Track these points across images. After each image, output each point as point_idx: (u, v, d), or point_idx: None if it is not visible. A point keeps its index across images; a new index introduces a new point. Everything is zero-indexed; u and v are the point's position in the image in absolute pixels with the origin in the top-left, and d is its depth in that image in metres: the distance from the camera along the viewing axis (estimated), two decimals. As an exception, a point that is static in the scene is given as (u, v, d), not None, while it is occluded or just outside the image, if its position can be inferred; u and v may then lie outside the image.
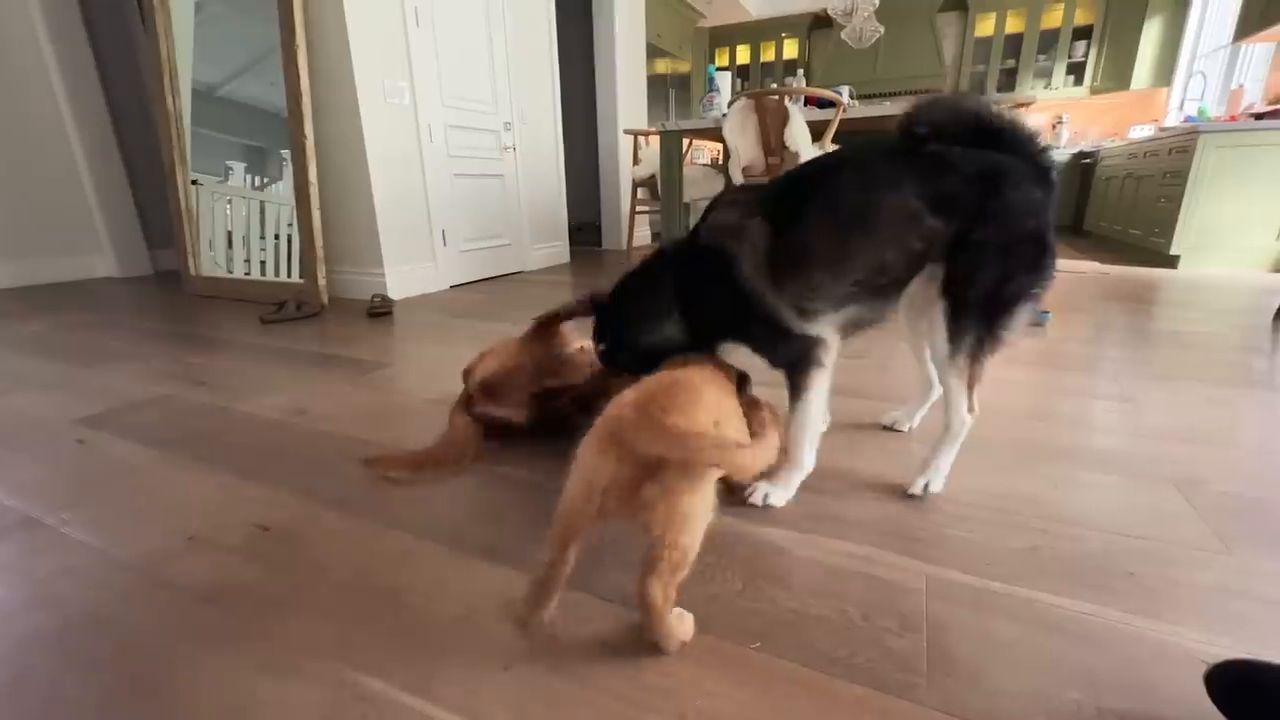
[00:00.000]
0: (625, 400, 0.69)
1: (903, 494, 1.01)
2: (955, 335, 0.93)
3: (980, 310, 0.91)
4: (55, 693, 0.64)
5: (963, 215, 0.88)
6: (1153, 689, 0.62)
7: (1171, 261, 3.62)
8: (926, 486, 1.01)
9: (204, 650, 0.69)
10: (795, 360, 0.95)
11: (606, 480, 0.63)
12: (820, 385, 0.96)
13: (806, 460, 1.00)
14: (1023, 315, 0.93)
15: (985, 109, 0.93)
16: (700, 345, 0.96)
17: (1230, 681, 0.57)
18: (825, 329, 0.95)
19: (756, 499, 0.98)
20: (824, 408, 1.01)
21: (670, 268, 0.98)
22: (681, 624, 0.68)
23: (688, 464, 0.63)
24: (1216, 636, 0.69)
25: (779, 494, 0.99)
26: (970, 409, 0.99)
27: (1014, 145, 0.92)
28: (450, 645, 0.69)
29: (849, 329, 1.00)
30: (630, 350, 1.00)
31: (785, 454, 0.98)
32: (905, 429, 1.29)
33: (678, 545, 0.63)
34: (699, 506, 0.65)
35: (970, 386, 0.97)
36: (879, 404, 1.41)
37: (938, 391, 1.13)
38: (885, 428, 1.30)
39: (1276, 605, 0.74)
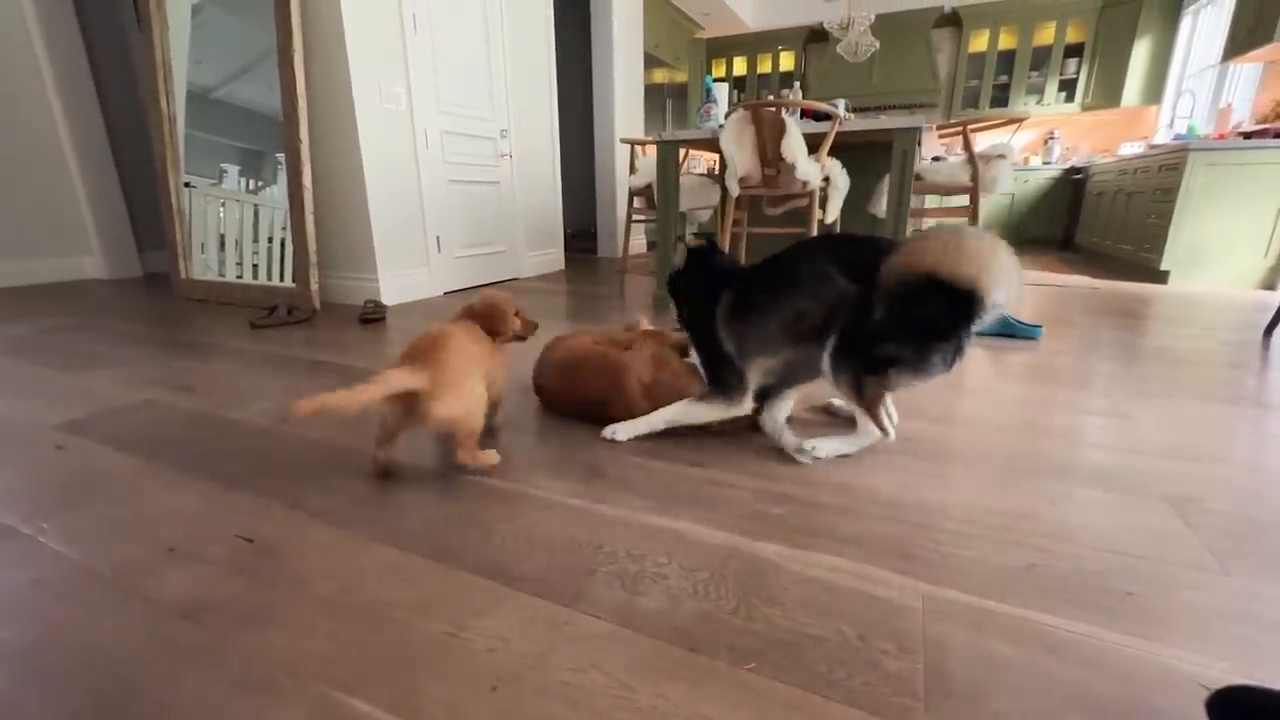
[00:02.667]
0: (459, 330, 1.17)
1: (898, 511, 1.00)
2: (836, 364, 1.12)
3: (858, 354, 1.09)
4: (17, 714, 0.61)
5: (868, 284, 1.06)
6: (1153, 714, 0.61)
7: (1162, 277, 3.65)
8: (815, 452, 1.17)
9: (179, 667, 0.67)
10: (720, 380, 1.24)
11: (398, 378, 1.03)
12: (713, 414, 1.24)
13: (655, 427, 1.27)
14: (903, 379, 1.08)
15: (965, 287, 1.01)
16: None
17: (1231, 707, 0.56)
18: (752, 375, 1.22)
19: (606, 433, 1.27)
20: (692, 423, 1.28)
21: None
22: (487, 456, 1.12)
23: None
24: (1216, 660, 0.68)
25: (624, 432, 1.27)
26: (883, 431, 1.17)
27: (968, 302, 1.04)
28: (436, 664, 0.67)
29: (787, 378, 1.24)
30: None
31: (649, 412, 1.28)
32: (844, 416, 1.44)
33: (463, 434, 1.09)
34: (455, 408, 1.07)
35: (866, 409, 1.14)
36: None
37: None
38: (827, 411, 1.48)
39: (1276, 629, 0.73)
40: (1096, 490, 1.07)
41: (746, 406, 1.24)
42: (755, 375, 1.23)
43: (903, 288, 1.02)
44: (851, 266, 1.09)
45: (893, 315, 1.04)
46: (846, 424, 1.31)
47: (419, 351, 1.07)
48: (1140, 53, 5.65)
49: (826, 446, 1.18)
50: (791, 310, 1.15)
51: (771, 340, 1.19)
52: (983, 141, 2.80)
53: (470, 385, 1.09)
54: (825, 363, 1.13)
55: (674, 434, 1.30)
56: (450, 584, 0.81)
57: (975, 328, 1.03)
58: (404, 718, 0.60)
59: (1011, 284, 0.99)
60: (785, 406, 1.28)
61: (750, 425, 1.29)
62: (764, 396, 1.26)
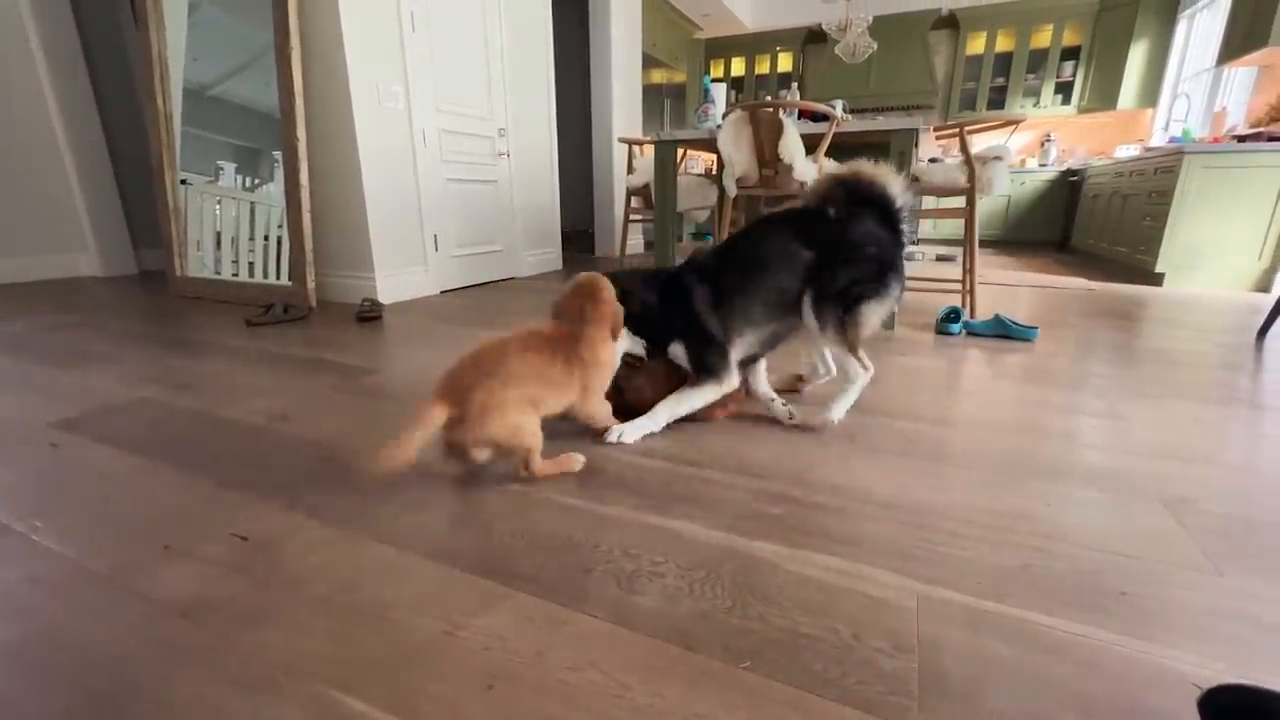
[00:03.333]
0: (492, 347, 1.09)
1: (894, 511, 1.00)
2: (819, 317, 1.32)
3: (834, 301, 1.31)
4: (11, 714, 0.61)
5: (822, 245, 1.32)
6: (1147, 713, 0.62)
7: (1157, 279, 3.67)
8: (832, 415, 1.34)
9: (175, 666, 0.67)
10: (708, 366, 1.32)
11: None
12: (708, 392, 1.33)
13: (660, 424, 1.32)
14: (872, 309, 1.31)
15: (870, 188, 1.34)
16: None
17: (1224, 706, 0.57)
18: (738, 352, 1.35)
19: (611, 436, 1.27)
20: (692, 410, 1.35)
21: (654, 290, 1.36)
22: (567, 462, 1.13)
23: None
24: (1209, 660, 0.68)
25: (630, 433, 1.28)
26: (864, 366, 1.36)
27: (884, 206, 1.34)
28: (433, 663, 0.67)
29: (765, 346, 1.41)
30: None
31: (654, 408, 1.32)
32: (812, 382, 1.63)
33: (513, 451, 1.07)
34: (505, 429, 1.03)
35: (850, 350, 1.34)
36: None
37: (823, 375, 1.61)
38: (799, 377, 1.64)
39: (1269, 629, 0.74)
40: (1092, 491, 1.08)
41: (735, 381, 1.35)
42: (738, 352, 1.36)
43: (830, 189, 1.36)
44: (808, 238, 1.33)
45: (849, 254, 1.31)
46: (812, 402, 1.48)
47: (453, 376, 1.04)
48: (1136, 56, 5.69)
49: (838, 409, 1.35)
50: (773, 290, 1.34)
51: (755, 318, 1.35)
52: (979, 143, 2.81)
53: (510, 402, 1.02)
54: (810, 320, 1.33)
55: (671, 433, 1.30)
56: (447, 583, 0.81)
57: (904, 240, 1.35)
58: (401, 717, 0.60)
59: (896, 182, 1.34)
60: (763, 374, 1.47)
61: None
62: (746, 366, 1.43)
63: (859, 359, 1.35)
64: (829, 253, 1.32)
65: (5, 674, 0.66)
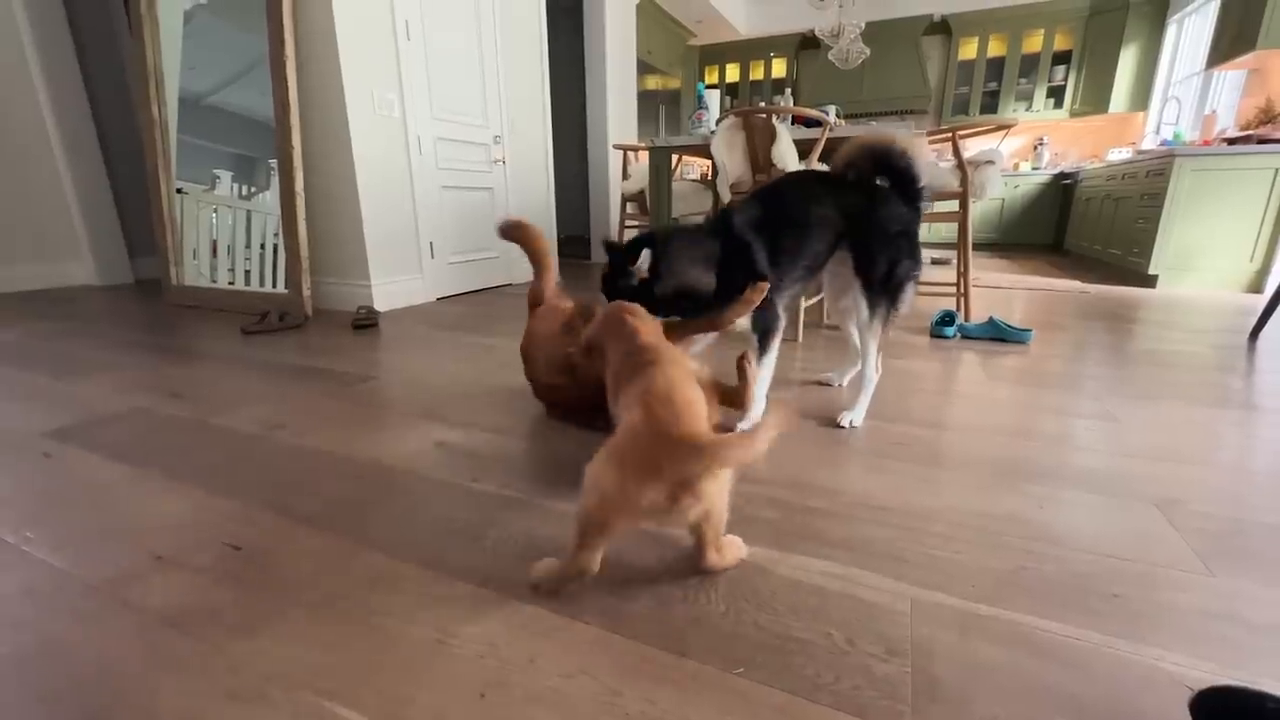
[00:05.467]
0: (640, 427, 0.77)
1: (887, 514, 1.00)
2: (871, 307, 1.37)
3: (883, 287, 1.35)
4: (5, 724, 0.61)
5: (853, 219, 1.33)
6: (1138, 715, 0.62)
7: (1150, 281, 3.69)
8: (852, 421, 1.39)
9: (166, 676, 0.67)
10: (768, 326, 1.30)
11: (648, 502, 0.72)
12: (776, 345, 1.32)
13: (762, 400, 1.32)
14: (910, 291, 1.37)
15: (896, 158, 1.34)
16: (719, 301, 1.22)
17: (1215, 708, 0.57)
18: (781, 305, 1.33)
19: (844, 420, 1.37)
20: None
21: (717, 240, 1.24)
22: (735, 549, 0.86)
23: (715, 469, 0.74)
24: (1201, 661, 0.68)
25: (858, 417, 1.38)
26: (876, 369, 1.43)
27: (904, 181, 1.34)
28: (424, 671, 0.67)
29: (795, 299, 1.45)
30: (672, 281, 1.17)
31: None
32: (836, 385, 1.68)
33: (717, 521, 0.80)
34: (723, 488, 0.78)
35: (879, 348, 1.41)
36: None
37: (835, 382, 1.67)
38: (819, 383, 1.68)
39: (1260, 630, 0.74)
40: (1084, 493, 1.08)
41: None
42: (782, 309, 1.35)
43: (858, 157, 1.36)
44: (842, 208, 1.33)
45: (889, 238, 1.33)
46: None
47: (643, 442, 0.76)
48: (1127, 60, 5.74)
49: (857, 414, 1.41)
50: (812, 252, 1.34)
51: (797, 277, 1.34)
52: (972, 147, 2.83)
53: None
54: (862, 310, 1.38)
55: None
56: (438, 591, 0.81)
57: (923, 208, 1.38)
58: (392, 725, 0.60)
59: (924, 153, 1.35)
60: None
61: None
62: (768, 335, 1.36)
63: (878, 360, 1.43)
64: (868, 235, 1.33)
65: (-6, 686, 0.66)
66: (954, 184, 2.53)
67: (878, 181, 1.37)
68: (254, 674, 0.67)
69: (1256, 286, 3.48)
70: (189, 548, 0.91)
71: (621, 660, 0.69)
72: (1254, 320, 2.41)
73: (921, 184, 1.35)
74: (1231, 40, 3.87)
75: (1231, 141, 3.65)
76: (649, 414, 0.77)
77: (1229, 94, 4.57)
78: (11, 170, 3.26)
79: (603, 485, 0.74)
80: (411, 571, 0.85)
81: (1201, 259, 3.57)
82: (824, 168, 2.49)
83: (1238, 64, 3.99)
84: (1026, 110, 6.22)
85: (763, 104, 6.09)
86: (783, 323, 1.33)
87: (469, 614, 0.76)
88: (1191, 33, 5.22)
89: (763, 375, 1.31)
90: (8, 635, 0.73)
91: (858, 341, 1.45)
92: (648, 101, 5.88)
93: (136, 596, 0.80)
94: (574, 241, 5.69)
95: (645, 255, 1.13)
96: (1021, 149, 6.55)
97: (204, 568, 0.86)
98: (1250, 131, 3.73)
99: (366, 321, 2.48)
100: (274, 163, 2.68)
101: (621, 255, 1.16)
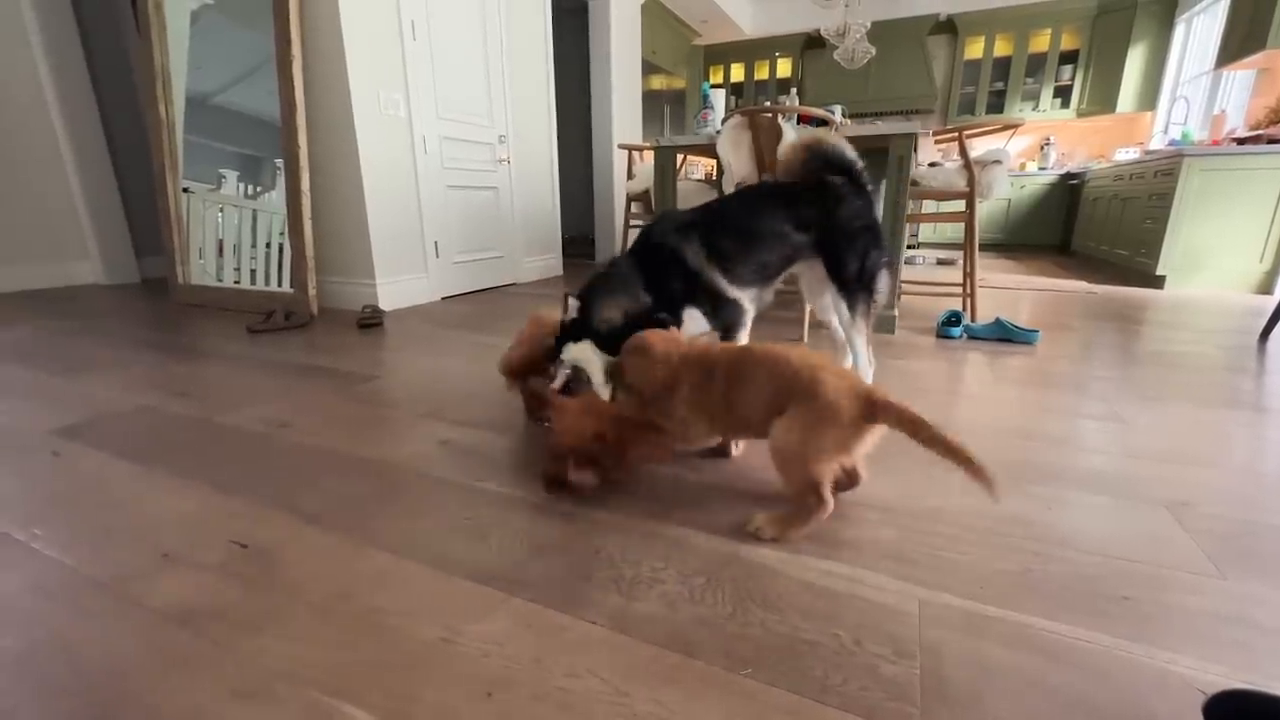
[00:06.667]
0: (843, 380, 0.92)
1: (895, 515, 1.00)
2: (851, 306, 1.44)
3: (858, 283, 1.42)
4: (14, 720, 0.61)
5: (815, 229, 1.40)
6: (1150, 718, 0.61)
7: (1158, 282, 3.67)
8: None
9: (173, 673, 0.67)
10: (732, 321, 1.32)
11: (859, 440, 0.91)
12: (744, 340, 1.34)
13: None
14: (884, 279, 1.45)
15: (839, 156, 1.44)
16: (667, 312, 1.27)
17: (1228, 712, 0.56)
18: (746, 300, 1.36)
19: None
20: None
21: (633, 262, 1.28)
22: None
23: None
24: (1213, 664, 0.68)
25: None
26: (869, 360, 1.49)
27: (851, 173, 1.44)
28: (431, 670, 0.67)
29: (758, 298, 1.42)
30: (606, 322, 1.22)
31: None
32: None
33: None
34: None
35: (867, 341, 1.48)
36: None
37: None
38: None
39: (1272, 633, 0.73)
40: (1093, 495, 1.08)
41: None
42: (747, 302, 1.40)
43: (803, 159, 1.46)
44: (802, 221, 1.40)
45: (851, 234, 1.41)
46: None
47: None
48: (1135, 59, 5.70)
49: None
50: (760, 262, 1.37)
51: (749, 278, 1.38)
52: (979, 147, 2.82)
53: None
54: (842, 310, 1.45)
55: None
56: (445, 589, 0.81)
57: (873, 194, 1.47)
58: (399, 724, 0.60)
59: (849, 146, 1.45)
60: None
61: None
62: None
63: (869, 352, 1.47)
64: (834, 240, 1.40)
65: (8, 682, 0.66)
66: (960, 184, 2.51)
67: (827, 179, 1.44)
68: (261, 671, 0.67)
69: (1266, 287, 3.45)
70: (196, 546, 0.91)
71: (629, 660, 0.68)
72: (1264, 321, 2.39)
73: (859, 167, 1.45)
74: (1241, 39, 3.84)
75: (1241, 141, 3.63)
76: (846, 381, 0.92)
77: (1238, 93, 4.53)
78: (20, 170, 3.28)
79: (829, 436, 0.89)
80: (417, 570, 0.85)
81: (1210, 259, 3.54)
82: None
83: (1247, 63, 3.96)
84: (1033, 110, 6.19)
85: (769, 103, 6.09)
86: (748, 318, 1.36)
87: (475, 613, 0.76)
88: (1200, 32, 5.18)
89: None
90: (16, 632, 0.73)
91: (843, 336, 1.54)
92: (653, 101, 5.88)
93: (143, 594, 0.80)
94: (578, 242, 5.69)
95: (572, 304, 1.23)
96: (1028, 149, 6.52)
97: (210, 566, 0.86)
98: (1260, 131, 3.70)
99: (371, 321, 2.48)
100: (280, 162, 2.68)
101: (564, 333, 1.25)
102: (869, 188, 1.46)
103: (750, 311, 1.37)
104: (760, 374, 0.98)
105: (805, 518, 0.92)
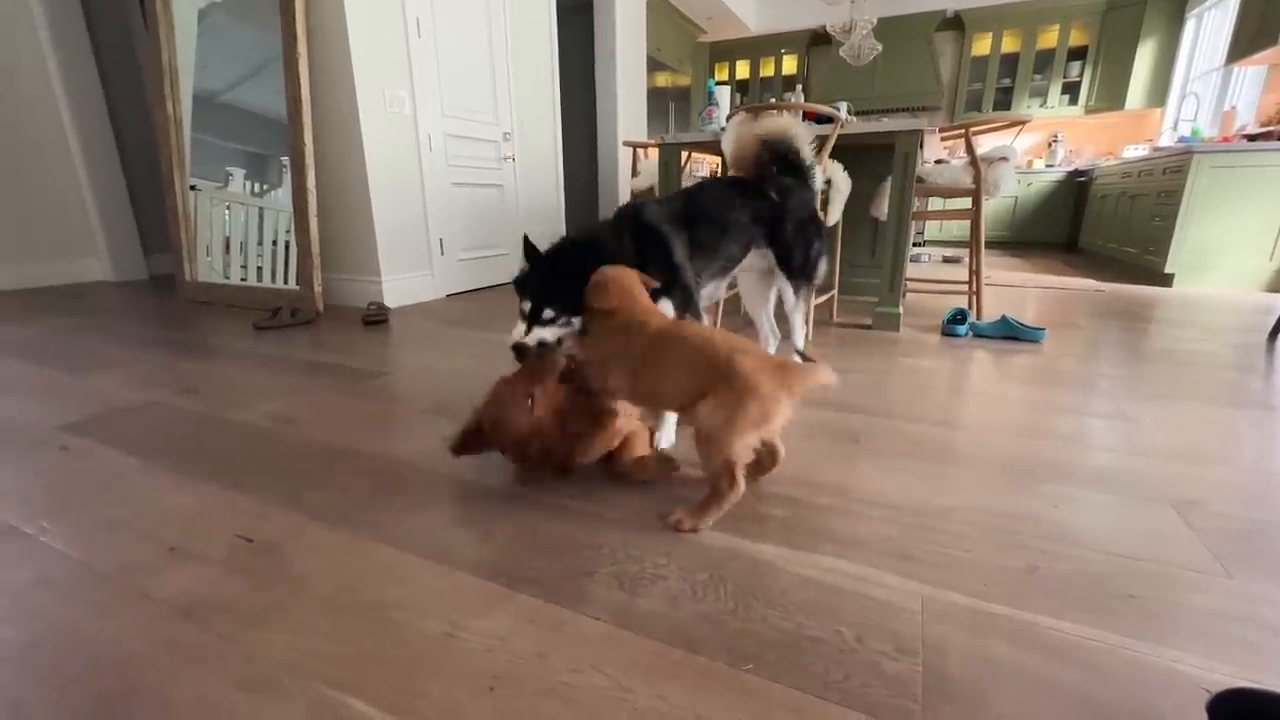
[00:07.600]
0: (760, 366, 0.92)
1: (898, 512, 1.00)
2: (796, 290, 1.57)
3: (803, 271, 1.56)
4: (18, 713, 0.62)
5: (767, 221, 1.47)
6: (1155, 717, 0.61)
7: (1166, 280, 3.64)
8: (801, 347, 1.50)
9: (180, 666, 0.67)
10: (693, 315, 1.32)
11: (778, 415, 0.92)
12: None
13: None
14: (823, 264, 1.60)
15: (795, 156, 1.56)
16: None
17: (1233, 711, 0.56)
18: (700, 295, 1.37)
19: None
20: None
21: (628, 235, 1.26)
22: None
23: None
24: (1219, 663, 0.67)
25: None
26: (808, 336, 1.69)
27: (798, 167, 1.56)
28: (434, 664, 0.67)
29: (713, 294, 1.47)
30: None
31: None
32: None
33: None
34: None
35: (805, 319, 1.68)
36: (873, 419, 1.40)
37: (775, 341, 1.79)
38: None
39: (1279, 632, 0.73)
40: (1099, 493, 1.07)
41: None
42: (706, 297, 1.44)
43: (760, 152, 1.55)
44: (754, 212, 1.45)
45: (798, 228, 1.50)
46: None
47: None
48: (1144, 55, 5.65)
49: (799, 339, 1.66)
50: (727, 255, 1.41)
51: (714, 273, 1.41)
52: (985, 144, 2.80)
53: None
54: (789, 295, 1.57)
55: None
56: (449, 584, 0.82)
57: (813, 183, 1.61)
58: (402, 718, 0.61)
59: (804, 140, 1.56)
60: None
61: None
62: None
63: (807, 329, 1.68)
64: (785, 232, 1.49)
65: (13, 674, 0.66)
66: (967, 181, 2.50)
67: (775, 173, 1.53)
68: (266, 664, 0.67)
69: (1276, 286, 3.42)
70: (202, 540, 0.92)
71: (631, 656, 0.69)
72: (1273, 320, 2.37)
73: (809, 164, 1.57)
74: (1252, 35, 3.80)
75: (1252, 138, 3.59)
76: (760, 359, 0.94)
77: (1249, 90, 4.49)
78: (29, 167, 3.31)
79: (765, 406, 0.91)
80: (421, 565, 0.86)
81: (1219, 257, 3.51)
82: (836, 165, 2.47)
83: (1258, 59, 3.91)
84: (1041, 106, 6.14)
85: (774, 100, 6.07)
86: (703, 316, 1.37)
87: (478, 608, 0.77)
88: (1211, 27, 5.13)
89: None
90: (25, 624, 0.74)
91: (768, 324, 1.76)
92: (658, 98, 5.87)
93: (150, 587, 0.81)
94: (583, 239, 5.68)
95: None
96: (1035, 146, 6.47)
97: (217, 559, 0.87)
98: (1271, 128, 3.66)
99: (377, 317, 2.49)
100: (286, 160, 2.70)
101: (540, 257, 1.21)
102: (813, 180, 1.60)
103: (703, 310, 1.37)
104: (682, 348, 0.98)
105: (719, 501, 0.94)
